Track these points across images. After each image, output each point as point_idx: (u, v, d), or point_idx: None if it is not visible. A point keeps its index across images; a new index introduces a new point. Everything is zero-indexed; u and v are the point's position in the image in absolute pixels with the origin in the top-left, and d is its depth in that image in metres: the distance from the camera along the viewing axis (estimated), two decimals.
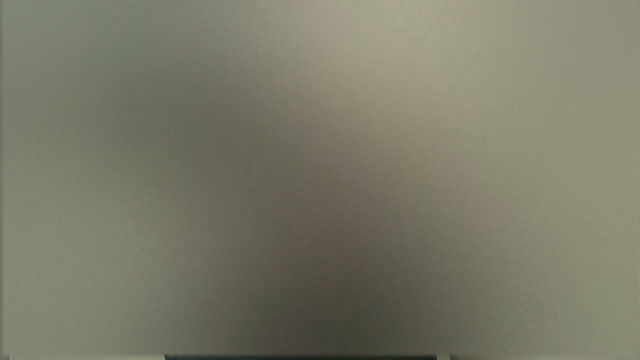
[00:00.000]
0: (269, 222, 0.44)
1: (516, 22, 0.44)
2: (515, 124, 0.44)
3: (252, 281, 0.44)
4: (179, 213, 0.44)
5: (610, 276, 0.44)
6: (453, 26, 0.44)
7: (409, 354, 0.44)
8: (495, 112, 0.44)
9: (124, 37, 0.44)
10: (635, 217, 0.43)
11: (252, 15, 0.44)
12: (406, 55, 0.44)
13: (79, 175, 0.44)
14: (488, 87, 0.44)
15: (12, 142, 0.44)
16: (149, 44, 0.44)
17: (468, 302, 0.44)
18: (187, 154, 0.44)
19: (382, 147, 0.44)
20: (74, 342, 0.45)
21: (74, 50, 0.44)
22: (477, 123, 0.44)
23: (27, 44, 0.44)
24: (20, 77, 0.44)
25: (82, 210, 0.44)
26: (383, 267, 0.44)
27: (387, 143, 0.44)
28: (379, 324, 0.44)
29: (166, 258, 0.44)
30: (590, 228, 0.44)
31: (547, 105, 0.44)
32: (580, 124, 0.44)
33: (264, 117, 0.44)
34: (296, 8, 0.44)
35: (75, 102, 0.44)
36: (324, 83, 0.44)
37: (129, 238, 0.44)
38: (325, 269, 0.44)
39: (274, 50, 0.44)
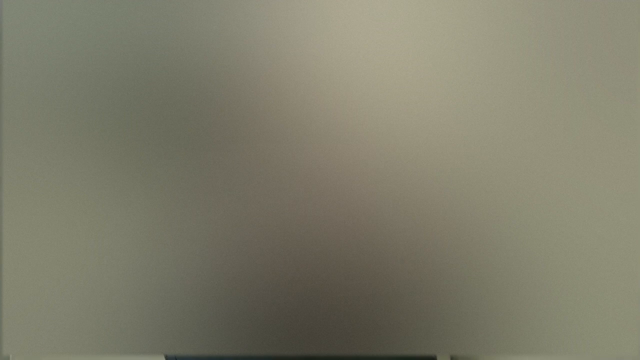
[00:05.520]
0: (269, 222, 0.44)
1: (516, 23, 0.44)
2: (515, 124, 0.44)
3: (252, 281, 0.44)
4: (179, 213, 0.44)
5: (611, 276, 0.44)
6: (453, 26, 0.44)
7: (409, 354, 0.44)
8: (494, 112, 0.44)
9: (123, 36, 0.44)
10: (636, 217, 0.43)
11: (250, 15, 0.44)
12: (404, 54, 0.44)
13: (79, 175, 0.44)
14: (487, 88, 0.44)
15: (12, 143, 0.44)
16: (148, 44, 0.44)
17: (468, 302, 0.44)
18: (187, 153, 0.44)
19: (383, 146, 0.44)
20: (74, 342, 0.45)
21: (73, 50, 0.44)
22: (476, 124, 0.44)
23: (27, 44, 0.44)
24: (20, 77, 0.44)
25: (82, 210, 0.44)
26: (383, 267, 0.44)
27: (389, 143, 0.44)
28: (379, 324, 0.44)
29: (166, 258, 0.44)
30: (590, 228, 0.44)
31: (547, 106, 0.44)
32: (579, 123, 0.44)
33: (262, 117, 0.44)
34: (295, 7, 0.44)
35: (75, 101, 0.44)
36: (323, 82, 0.44)
37: (129, 238, 0.44)
38: (325, 269, 0.44)
39: (272, 50, 0.44)
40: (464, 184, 0.44)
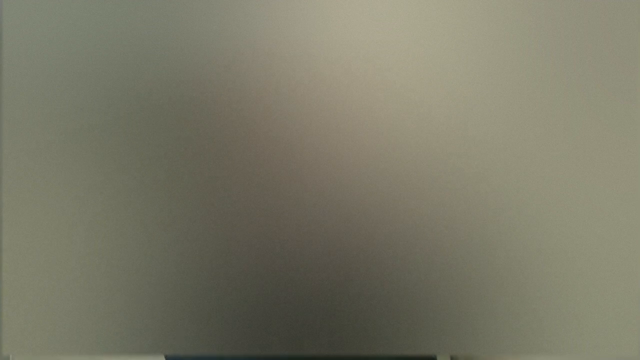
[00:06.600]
0: (269, 222, 0.44)
1: (516, 23, 0.44)
2: (515, 124, 0.44)
3: (252, 281, 0.44)
4: (178, 213, 0.44)
5: (611, 276, 0.44)
6: (453, 26, 0.44)
7: (409, 354, 0.44)
8: (494, 112, 0.44)
9: (123, 36, 0.44)
10: (636, 217, 0.43)
11: (250, 15, 0.44)
12: (404, 54, 0.44)
13: (79, 175, 0.44)
14: (487, 88, 0.44)
15: (11, 143, 0.44)
16: (148, 44, 0.44)
17: (468, 302, 0.44)
18: (185, 153, 0.44)
19: (383, 146, 0.44)
20: (74, 342, 0.45)
21: (73, 50, 0.44)
22: (476, 124, 0.44)
23: (27, 44, 0.44)
24: (20, 77, 0.44)
25: (82, 210, 0.44)
26: (383, 267, 0.44)
27: (389, 143, 0.44)
28: (378, 324, 0.44)
29: (166, 258, 0.44)
30: (590, 228, 0.44)
31: (547, 106, 0.44)
32: (579, 123, 0.44)
33: (262, 117, 0.44)
34: (295, 7, 0.44)
35: (75, 102, 0.44)
36: (323, 82, 0.44)
37: (129, 238, 0.44)
38: (325, 269, 0.44)
39: (272, 50, 0.44)
40: (464, 184, 0.44)
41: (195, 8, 0.44)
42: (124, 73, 0.44)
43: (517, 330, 0.44)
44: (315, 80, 0.44)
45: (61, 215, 0.44)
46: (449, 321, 0.44)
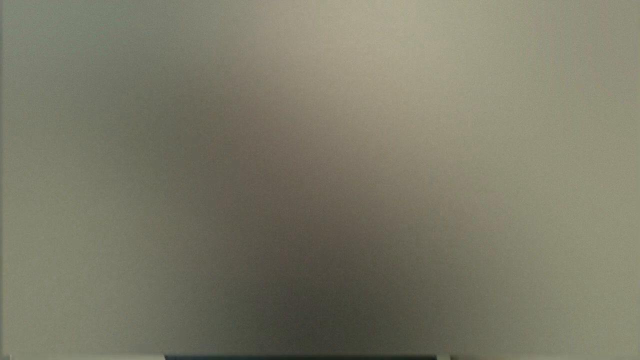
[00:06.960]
0: (269, 222, 0.44)
1: (516, 23, 0.44)
2: (515, 124, 0.44)
3: (251, 281, 0.44)
4: (178, 213, 0.44)
5: (611, 276, 0.44)
6: (453, 26, 0.44)
7: (409, 354, 0.44)
8: (495, 112, 0.44)
9: (123, 36, 0.44)
10: (636, 217, 0.43)
11: (250, 15, 0.44)
12: (405, 54, 0.44)
13: (79, 175, 0.44)
14: (487, 88, 0.44)
15: (11, 143, 0.44)
16: (148, 44, 0.44)
17: (468, 302, 0.44)
18: (185, 153, 0.44)
19: (383, 146, 0.44)
20: (74, 342, 0.45)
21: (73, 50, 0.44)
22: (477, 124, 0.44)
23: (27, 44, 0.44)
24: (20, 77, 0.44)
25: (82, 210, 0.44)
26: (383, 267, 0.44)
27: (389, 143, 0.44)
28: (378, 324, 0.44)
29: (166, 258, 0.44)
30: (590, 228, 0.44)
31: (547, 106, 0.44)
32: (579, 123, 0.44)
33: (262, 117, 0.44)
34: (296, 7, 0.44)
35: (75, 102, 0.44)
36: (324, 82, 0.44)
37: (129, 238, 0.44)
38: (325, 269, 0.44)
39: (273, 50, 0.44)
40: (463, 184, 0.44)
41: (195, 8, 0.44)
42: (124, 73, 0.44)
43: (517, 330, 0.44)
44: (315, 80, 0.44)
45: (61, 215, 0.44)
46: (449, 321, 0.44)
